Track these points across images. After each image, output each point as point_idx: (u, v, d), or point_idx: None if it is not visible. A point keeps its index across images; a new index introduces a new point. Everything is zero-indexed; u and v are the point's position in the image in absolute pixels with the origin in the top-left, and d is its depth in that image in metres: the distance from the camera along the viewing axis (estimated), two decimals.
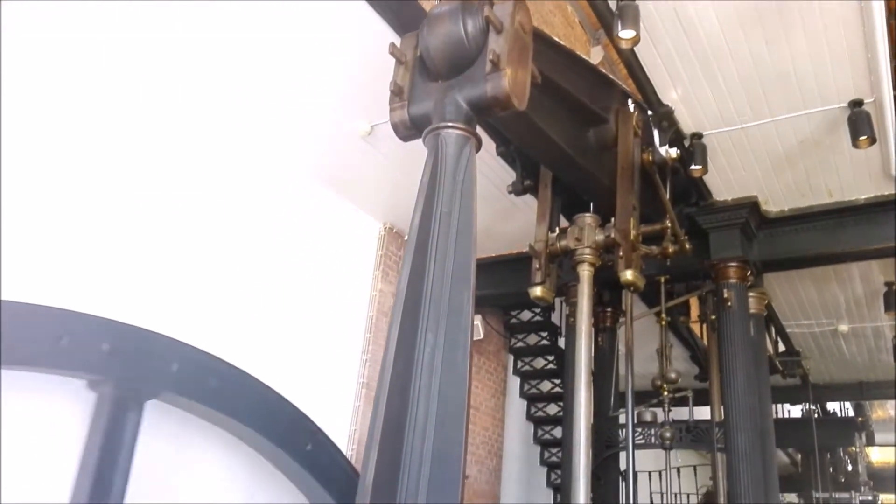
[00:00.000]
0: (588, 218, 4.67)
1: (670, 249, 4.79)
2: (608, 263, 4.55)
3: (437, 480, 2.25)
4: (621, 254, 4.36)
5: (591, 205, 4.94)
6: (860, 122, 4.69)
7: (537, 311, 8.41)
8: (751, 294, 6.22)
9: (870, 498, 8.00)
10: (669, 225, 4.82)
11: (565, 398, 7.10)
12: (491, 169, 5.75)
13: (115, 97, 4.71)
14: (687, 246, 4.96)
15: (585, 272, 4.56)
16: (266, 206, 5.80)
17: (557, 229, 4.81)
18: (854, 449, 11.00)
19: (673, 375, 7.09)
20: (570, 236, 4.59)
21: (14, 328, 3.65)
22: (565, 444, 6.87)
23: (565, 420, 6.90)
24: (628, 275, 4.35)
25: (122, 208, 4.70)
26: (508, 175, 5.61)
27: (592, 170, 4.69)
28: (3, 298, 3.63)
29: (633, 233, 4.39)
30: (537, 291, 4.70)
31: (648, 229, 4.72)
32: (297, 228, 6.07)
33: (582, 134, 4.74)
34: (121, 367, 4.12)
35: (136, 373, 4.20)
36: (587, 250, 4.53)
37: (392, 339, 2.46)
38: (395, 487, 2.22)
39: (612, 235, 4.44)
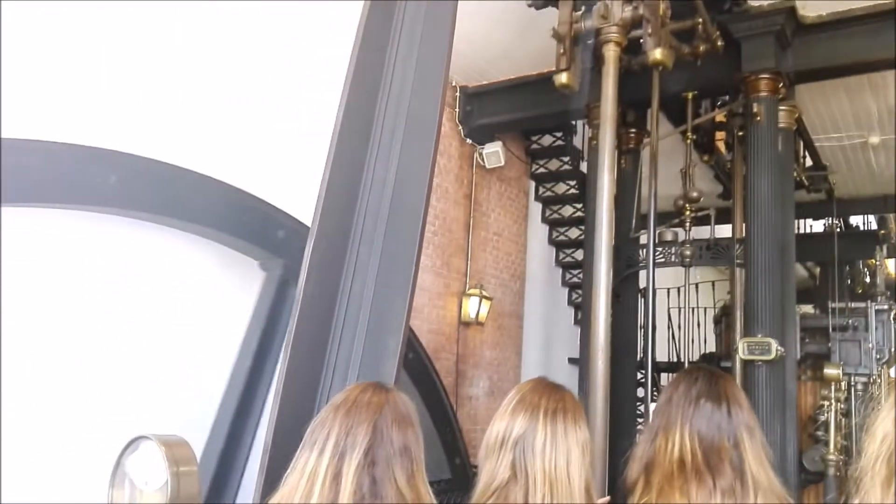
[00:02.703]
0: None
1: (701, 48, 4.54)
2: (637, 41, 4.32)
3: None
4: (650, 31, 4.12)
5: None
6: None
7: (559, 135, 8.26)
8: (781, 108, 5.99)
9: (885, 307, 8.19)
10: (700, 22, 4.52)
11: (587, 220, 7.15)
12: None
13: None
14: (719, 43, 4.67)
15: (611, 52, 4.35)
16: None
17: (583, 7, 4.51)
18: (874, 261, 11.14)
19: (695, 195, 7.07)
20: (596, 14, 4.31)
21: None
22: (586, 264, 7.04)
23: (586, 241, 7.00)
24: (657, 54, 4.16)
25: None
26: None
27: None
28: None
29: (662, 6, 4.12)
30: (563, 78, 4.54)
31: (678, 26, 4.44)
32: None
33: None
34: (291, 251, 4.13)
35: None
36: (613, 28, 4.28)
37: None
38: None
39: (640, 11, 4.16)
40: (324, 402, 2.17)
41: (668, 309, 8.70)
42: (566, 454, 1.56)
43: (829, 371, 6.29)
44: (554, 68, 6.70)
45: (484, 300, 7.57)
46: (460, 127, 7.56)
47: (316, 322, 2.20)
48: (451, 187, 7.52)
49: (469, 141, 7.68)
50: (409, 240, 2.28)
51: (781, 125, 5.98)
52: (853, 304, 8.58)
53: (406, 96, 2.43)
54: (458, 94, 7.53)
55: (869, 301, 9.02)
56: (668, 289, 8.19)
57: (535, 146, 8.54)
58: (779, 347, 5.55)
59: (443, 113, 2.45)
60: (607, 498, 2.01)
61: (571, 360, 8.51)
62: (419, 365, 6.51)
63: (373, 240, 2.31)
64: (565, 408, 1.63)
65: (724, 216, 7.40)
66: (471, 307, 7.50)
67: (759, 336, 5.64)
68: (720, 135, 7.59)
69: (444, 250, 7.39)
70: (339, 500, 1.49)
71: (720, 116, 7.12)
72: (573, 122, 8.02)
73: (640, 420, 7.26)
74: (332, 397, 2.15)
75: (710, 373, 1.85)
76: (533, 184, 8.90)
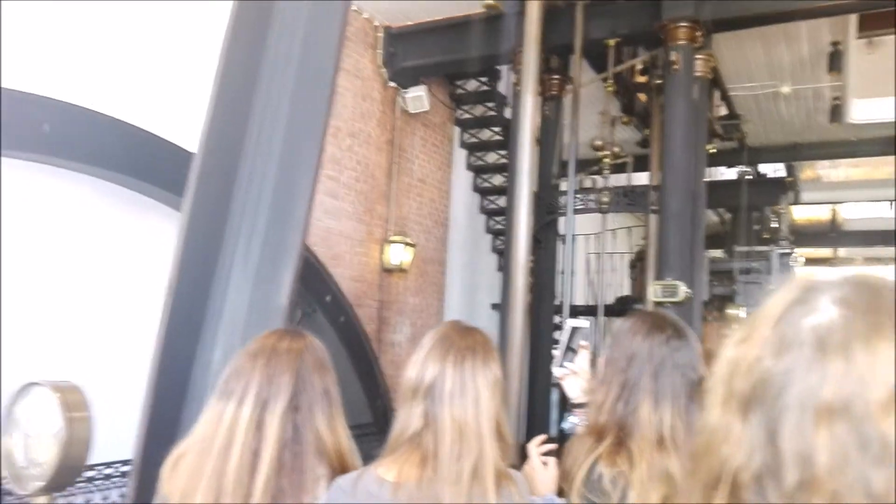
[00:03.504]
0: None
1: None
2: None
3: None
4: None
5: None
6: None
7: (484, 80, 8.17)
8: (698, 56, 6.10)
9: (787, 251, 8.70)
10: None
11: (510, 167, 7.18)
12: None
13: None
14: None
15: None
16: None
17: None
18: (779, 208, 11.73)
19: (616, 149, 7.20)
20: None
21: None
22: (509, 210, 7.10)
23: (509, 188, 7.05)
24: None
25: None
26: None
27: None
28: None
29: None
30: None
31: None
32: None
33: None
34: None
35: None
36: None
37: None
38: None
39: None
40: (208, 345, 2.11)
41: (587, 254, 8.93)
42: (475, 398, 1.56)
43: (732, 311, 6.63)
44: (480, 11, 6.60)
45: (407, 247, 7.55)
46: (383, 69, 7.35)
47: (202, 253, 2.12)
48: (374, 132, 7.36)
49: (392, 84, 7.49)
50: (305, 168, 2.20)
51: (697, 74, 6.09)
52: (758, 249, 9.07)
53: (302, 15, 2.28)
54: (380, 34, 7.29)
55: (772, 245, 9.55)
56: (588, 235, 8.38)
57: (460, 91, 8.42)
58: (686, 290, 5.79)
59: (343, 38, 2.33)
60: (543, 436, 2.03)
61: (494, 306, 8.65)
62: (340, 311, 6.47)
63: (265, 171, 2.20)
64: (475, 350, 1.63)
65: (642, 164, 7.58)
66: (393, 254, 7.46)
67: (669, 279, 5.86)
68: (642, 82, 7.70)
69: (367, 197, 7.28)
70: (263, 448, 1.50)
71: (641, 66, 7.21)
72: (498, 68, 7.95)
73: None
74: (224, 343, 2.08)
75: (675, 322, 1.87)
76: (458, 130, 8.82)
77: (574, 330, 2.05)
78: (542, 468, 1.93)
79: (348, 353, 6.42)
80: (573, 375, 2.02)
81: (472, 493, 1.48)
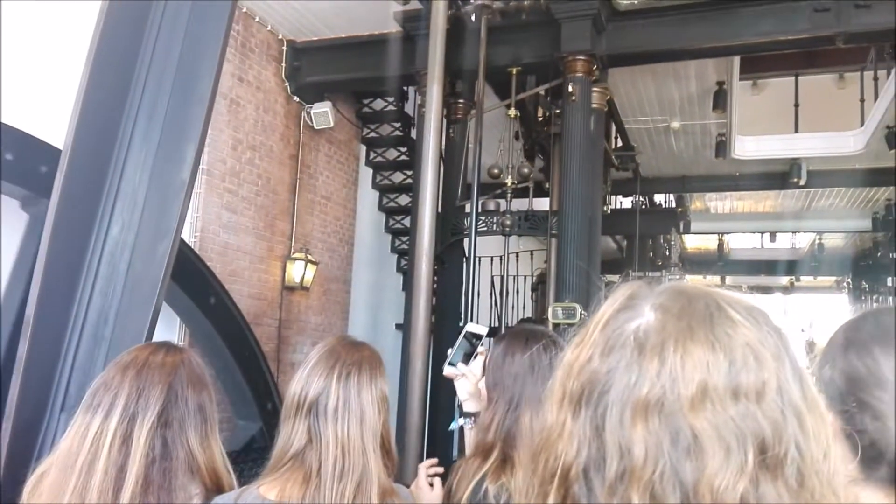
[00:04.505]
0: None
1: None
2: None
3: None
4: None
5: None
6: None
7: (390, 100, 8.21)
8: (594, 89, 6.38)
9: (678, 277, 9.17)
10: None
11: (414, 187, 7.22)
12: None
13: None
14: None
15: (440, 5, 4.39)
16: None
17: None
18: (670, 236, 12.38)
19: (526, 170, 7.38)
20: None
21: None
22: (412, 230, 7.13)
23: (413, 208, 7.08)
24: None
25: None
26: None
27: None
28: None
29: None
30: None
31: None
32: None
33: None
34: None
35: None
36: None
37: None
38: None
39: None
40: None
41: (492, 276, 9.08)
42: (359, 415, 1.55)
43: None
44: (385, 31, 6.65)
45: (309, 264, 7.42)
46: (286, 83, 7.25)
47: (66, 256, 2.01)
48: (276, 146, 7.23)
49: (296, 98, 7.40)
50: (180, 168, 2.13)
51: (594, 105, 6.37)
52: (651, 274, 9.52)
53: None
54: (284, 47, 7.20)
55: (664, 271, 10.04)
56: (492, 257, 8.53)
57: (366, 110, 8.43)
58: (582, 312, 5.97)
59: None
60: (434, 460, 2.02)
61: (399, 326, 8.62)
62: (237, 332, 6.25)
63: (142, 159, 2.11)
64: (360, 365, 1.61)
65: (542, 189, 7.80)
66: (295, 271, 7.32)
67: (567, 301, 6.04)
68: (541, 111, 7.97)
69: (268, 212, 7.12)
70: (128, 464, 1.43)
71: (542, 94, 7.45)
72: (405, 88, 8.01)
73: None
74: (93, 353, 1.98)
75: (546, 331, 1.93)
76: (364, 148, 8.80)
77: (470, 334, 2.06)
78: (427, 488, 1.93)
79: (243, 374, 6.21)
80: (463, 377, 2.02)
81: None
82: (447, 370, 2.05)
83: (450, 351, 2.06)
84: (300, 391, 1.55)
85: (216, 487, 1.56)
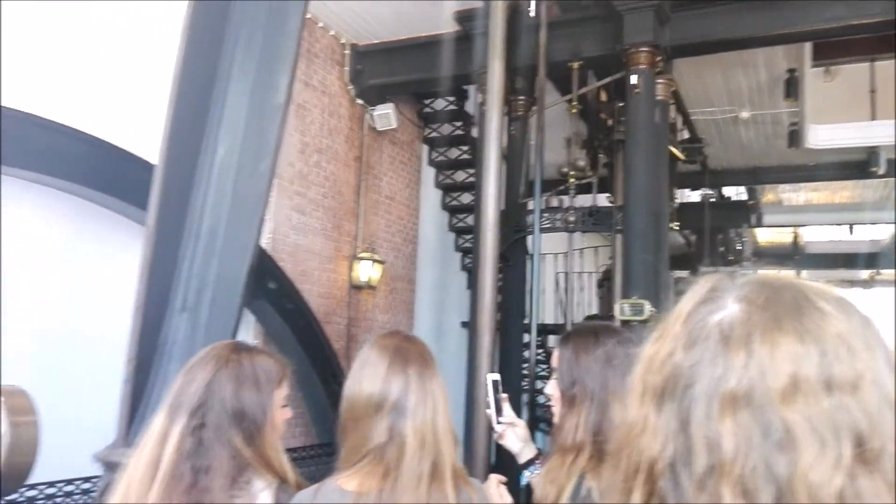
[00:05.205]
0: None
1: None
2: None
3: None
4: None
5: None
6: None
7: (451, 100, 8.27)
8: (659, 81, 6.27)
9: (751, 272, 8.85)
10: None
11: (476, 185, 7.25)
12: None
13: None
14: None
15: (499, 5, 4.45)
16: None
17: None
18: (742, 230, 11.99)
19: (582, 163, 7.32)
20: None
21: None
22: (476, 228, 7.16)
23: (476, 206, 7.11)
24: None
25: None
26: None
27: None
28: None
29: None
30: None
31: None
32: None
33: None
34: None
35: None
36: None
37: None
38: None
39: None
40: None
41: (556, 273, 9.02)
42: (434, 407, 1.60)
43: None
44: (445, 31, 6.70)
45: (375, 264, 7.56)
46: (350, 86, 7.41)
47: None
48: (342, 149, 7.40)
49: (360, 101, 7.55)
50: (257, 186, 2.31)
51: (658, 97, 6.25)
52: (723, 269, 9.25)
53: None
54: (347, 51, 7.36)
55: (737, 266, 9.74)
56: (556, 254, 8.47)
57: (427, 110, 8.52)
58: (651, 308, 5.88)
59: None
60: (504, 479, 2.00)
61: (464, 324, 8.68)
62: (308, 330, 6.44)
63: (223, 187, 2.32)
64: (425, 358, 1.66)
65: (606, 184, 7.72)
66: (362, 271, 7.47)
67: (635, 298, 5.95)
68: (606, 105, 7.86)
69: (335, 213, 7.30)
70: (161, 460, 1.48)
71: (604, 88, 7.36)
72: (465, 87, 8.06)
73: (525, 379, 7.52)
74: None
75: (615, 327, 1.91)
76: (426, 148, 8.90)
77: (495, 382, 2.02)
78: (497, 495, 1.88)
79: (315, 370, 6.39)
80: (510, 427, 2.01)
81: (431, 495, 1.50)
82: (500, 428, 2.01)
83: (490, 411, 2.00)
84: (378, 391, 1.57)
85: (284, 483, 1.59)
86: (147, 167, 4.63)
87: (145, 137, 4.42)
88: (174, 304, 2.22)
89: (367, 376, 1.61)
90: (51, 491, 3.92)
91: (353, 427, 1.59)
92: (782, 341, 0.62)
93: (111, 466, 1.96)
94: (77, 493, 4.05)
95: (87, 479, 4.02)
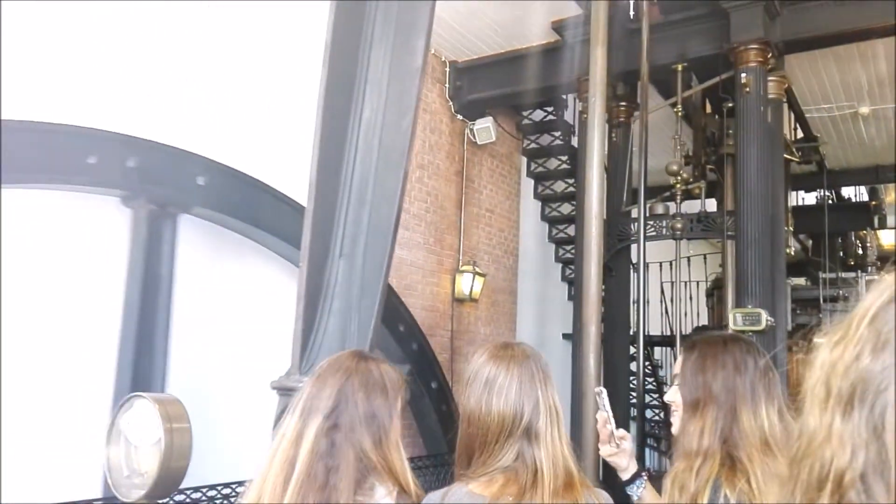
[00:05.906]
0: None
1: None
2: None
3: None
4: None
5: None
6: None
7: (549, 110, 8.24)
8: (770, 78, 6.00)
9: (875, 277, 8.24)
10: None
11: (578, 195, 7.17)
12: None
13: None
14: None
15: (601, 12, 4.46)
16: None
17: None
18: (864, 232, 11.19)
19: (685, 175, 7.08)
20: None
21: (42, 148, 3.72)
22: (578, 239, 7.06)
23: (578, 215, 7.02)
24: None
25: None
26: None
27: None
28: (29, 118, 3.66)
29: None
30: None
31: None
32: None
33: None
34: (149, 183, 4.24)
35: (165, 187, 4.33)
36: None
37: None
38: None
39: None
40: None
41: (661, 283, 8.74)
42: (558, 419, 1.61)
43: (819, 341, 6.33)
44: (543, 42, 6.69)
45: (477, 276, 7.61)
46: (450, 102, 7.53)
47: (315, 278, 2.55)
48: (443, 164, 7.52)
49: (460, 117, 7.66)
50: (386, 216, 2.51)
51: (770, 96, 5.98)
52: (844, 275, 8.67)
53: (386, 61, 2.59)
54: (447, 68, 7.50)
55: (859, 272, 9.11)
56: (661, 262, 8.22)
57: (526, 121, 8.52)
58: (769, 318, 5.60)
59: (423, 79, 2.69)
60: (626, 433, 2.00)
61: (566, 336, 8.57)
62: (414, 341, 6.56)
63: (359, 216, 2.55)
64: (549, 376, 1.66)
65: (714, 189, 7.42)
66: (464, 284, 7.53)
67: (750, 307, 5.69)
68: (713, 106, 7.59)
69: (437, 227, 7.41)
70: (297, 459, 1.53)
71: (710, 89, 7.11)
72: (564, 97, 8.01)
73: (633, 393, 7.32)
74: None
75: (737, 335, 1.90)
76: (525, 159, 8.89)
77: (602, 393, 2.01)
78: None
79: (422, 382, 6.49)
80: (623, 440, 1.98)
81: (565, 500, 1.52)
82: (624, 443, 1.97)
83: (610, 426, 1.96)
84: (513, 412, 1.56)
85: (403, 491, 1.60)
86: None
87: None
88: (334, 251, 2.56)
89: (496, 392, 1.60)
90: (196, 496, 4.16)
91: (481, 443, 1.58)
92: None
93: (286, 391, 2.25)
94: (219, 499, 4.28)
95: (226, 485, 4.25)
